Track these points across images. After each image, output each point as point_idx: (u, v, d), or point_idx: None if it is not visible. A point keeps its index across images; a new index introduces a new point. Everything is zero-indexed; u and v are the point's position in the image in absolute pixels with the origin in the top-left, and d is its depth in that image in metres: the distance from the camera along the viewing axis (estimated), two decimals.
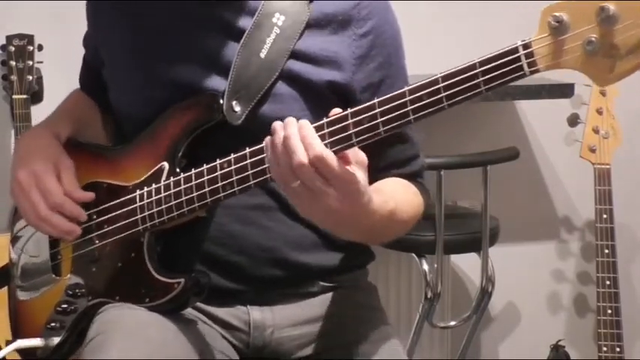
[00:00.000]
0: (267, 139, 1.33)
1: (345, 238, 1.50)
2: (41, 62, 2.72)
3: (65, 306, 1.61)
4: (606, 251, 2.61)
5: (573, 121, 2.67)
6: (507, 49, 1.23)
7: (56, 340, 1.60)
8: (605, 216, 2.63)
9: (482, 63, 1.24)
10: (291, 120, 1.32)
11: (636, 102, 3.02)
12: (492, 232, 2.69)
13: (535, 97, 2.84)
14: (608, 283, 2.60)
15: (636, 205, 3.16)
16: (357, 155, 1.32)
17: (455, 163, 2.55)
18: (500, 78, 1.24)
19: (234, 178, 1.42)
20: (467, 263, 3.07)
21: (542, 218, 3.21)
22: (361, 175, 1.31)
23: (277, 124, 1.32)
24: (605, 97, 2.65)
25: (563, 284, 3.23)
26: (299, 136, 1.29)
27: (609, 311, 2.59)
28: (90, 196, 1.59)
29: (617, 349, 2.59)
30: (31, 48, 2.69)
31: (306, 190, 1.30)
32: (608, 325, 2.59)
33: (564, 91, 2.75)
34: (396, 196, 1.48)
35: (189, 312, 1.54)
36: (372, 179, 1.39)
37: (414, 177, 1.60)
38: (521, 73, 1.23)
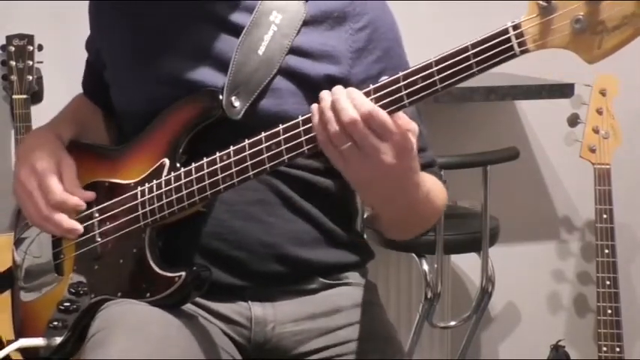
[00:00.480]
0: (314, 105, 1.36)
1: (386, 206, 1.49)
2: (41, 62, 2.73)
3: (68, 304, 1.61)
4: (606, 251, 2.61)
5: (573, 121, 2.67)
6: (498, 30, 1.27)
7: (58, 339, 1.60)
8: (605, 216, 2.63)
9: (474, 45, 1.28)
10: (338, 86, 1.34)
11: (636, 102, 3.03)
12: (492, 232, 2.69)
13: (535, 97, 2.84)
14: (608, 283, 2.60)
15: (636, 205, 3.17)
16: (410, 123, 1.34)
17: (455, 163, 2.55)
18: (492, 59, 1.27)
19: (234, 169, 1.43)
20: (467, 263, 3.07)
21: (542, 218, 3.21)
22: (412, 138, 1.33)
23: (324, 92, 1.35)
24: (605, 97, 2.65)
25: (563, 284, 3.24)
26: (348, 97, 1.32)
27: (609, 311, 2.60)
28: (90, 195, 1.60)
29: (617, 349, 2.59)
30: (31, 48, 2.70)
31: (357, 149, 1.31)
32: (608, 325, 2.59)
33: (564, 91, 2.76)
34: (429, 182, 1.50)
35: (190, 308, 1.54)
36: None
37: (426, 168, 1.60)
38: (512, 53, 1.26)
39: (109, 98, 1.69)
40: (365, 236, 2.37)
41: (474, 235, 2.68)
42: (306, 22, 1.56)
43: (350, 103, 1.31)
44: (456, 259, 3.05)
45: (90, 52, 1.78)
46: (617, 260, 2.62)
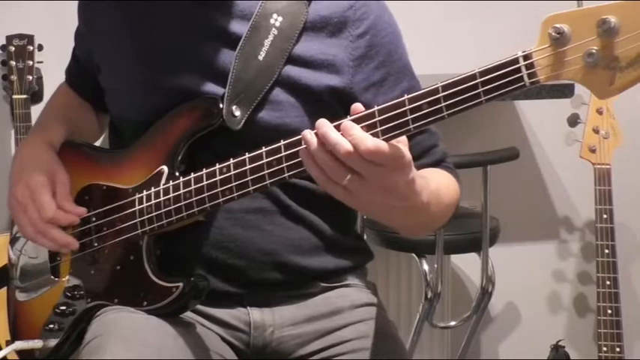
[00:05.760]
0: (302, 150, 1.29)
1: (403, 225, 1.45)
2: (41, 62, 2.72)
3: (64, 308, 1.61)
4: (606, 251, 2.61)
5: (573, 121, 2.67)
6: (508, 59, 1.22)
7: (54, 341, 1.61)
8: (605, 216, 2.62)
9: (482, 73, 1.23)
10: (321, 120, 1.28)
11: (636, 102, 3.02)
12: (492, 232, 2.69)
13: (535, 97, 2.83)
14: (608, 283, 2.60)
15: (636, 205, 3.16)
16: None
17: (455, 163, 2.53)
18: (501, 88, 1.22)
19: (234, 183, 1.41)
20: (467, 263, 3.07)
21: (542, 218, 3.21)
22: (406, 151, 1.28)
23: (306, 133, 1.28)
24: None
25: (563, 284, 3.23)
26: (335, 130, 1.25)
27: (609, 311, 2.59)
28: (81, 211, 1.59)
29: (617, 349, 2.59)
30: (31, 48, 2.69)
31: (359, 179, 1.26)
32: (608, 325, 2.59)
33: (564, 91, 2.75)
34: (437, 178, 1.48)
35: (188, 315, 1.54)
36: None
37: (438, 164, 1.60)
38: (522, 83, 1.21)
39: (98, 92, 1.68)
40: (365, 236, 2.38)
41: (474, 235, 2.68)
42: (307, 27, 1.54)
43: (338, 134, 1.25)
44: (456, 259, 3.05)
45: (79, 46, 1.77)
46: (617, 260, 2.61)
